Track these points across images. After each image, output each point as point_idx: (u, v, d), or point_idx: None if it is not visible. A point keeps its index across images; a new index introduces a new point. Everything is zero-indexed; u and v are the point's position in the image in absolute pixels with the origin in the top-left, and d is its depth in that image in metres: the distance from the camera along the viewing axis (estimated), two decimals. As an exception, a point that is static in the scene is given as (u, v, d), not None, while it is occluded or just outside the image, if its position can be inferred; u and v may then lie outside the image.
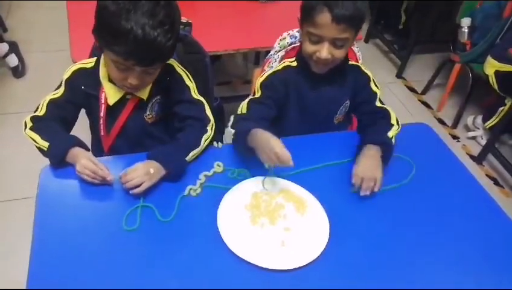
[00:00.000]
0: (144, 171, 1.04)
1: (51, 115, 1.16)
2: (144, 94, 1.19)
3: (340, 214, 1.07)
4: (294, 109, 1.32)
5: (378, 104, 1.31)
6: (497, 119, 2.44)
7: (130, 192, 1.03)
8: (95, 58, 1.20)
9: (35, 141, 1.10)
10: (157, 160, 1.07)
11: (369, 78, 1.33)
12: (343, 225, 1.05)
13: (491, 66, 2.32)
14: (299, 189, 1.12)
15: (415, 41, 2.98)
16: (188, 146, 1.14)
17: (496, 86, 2.33)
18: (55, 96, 1.18)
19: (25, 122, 1.14)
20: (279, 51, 1.51)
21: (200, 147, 1.16)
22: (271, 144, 0.99)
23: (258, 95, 1.27)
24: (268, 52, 1.63)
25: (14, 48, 2.66)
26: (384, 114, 1.29)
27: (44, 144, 1.08)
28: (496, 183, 2.40)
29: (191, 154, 1.13)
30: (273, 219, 1.04)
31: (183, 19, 1.49)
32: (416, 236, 1.06)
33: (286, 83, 1.28)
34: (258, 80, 1.29)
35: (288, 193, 1.10)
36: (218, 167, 1.14)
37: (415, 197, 1.17)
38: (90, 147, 1.35)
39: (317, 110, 1.32)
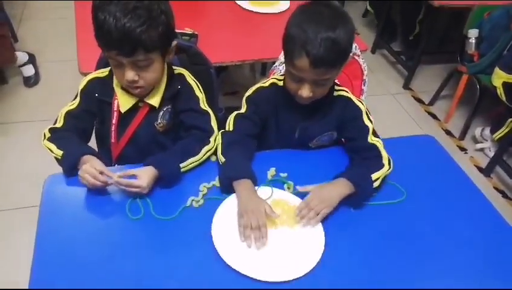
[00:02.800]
0: (144, 184, 1.05)
1: (68, 126, 1.19)
2: (155, 101, 1.21)
3: (336, 225, 1.06)
4: (271, 128, 1.29)
5: (370, 139, 1.21)
6: (506, 130, 2.41)
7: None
8: (109, 67, 1.21)
9: (51, 151, 1.13)
10: (152, 164, 1.09)
11: (360, 111, 1.24)
12: (340, 236, 1.04)
13: (499, 78, 2.30)
14: (293, 198, 1.11)
15: (422, 51, 2.97)
16: (185, 153, 1.15)
17: (504, 98, 2.31)
18: (72, 107, 1.22)
19: (44, 134, 1.17)
20: (284, 62, 1.52)
21: (198, 156, 1.16)
22: (259, 211, 1.01)
23: (243, 109, 1.26)
24: (275, 62, 1.63)
25: (32, 59, 2.73)
26: (375, 153, 1.20)
27: (59, 153, 1.11)
28: (504, 195, 2.37)
29: (187, 161, 1.14)
30: (268, 229, 1.02)
31: (189, 30, 1.52)
32: (420, 248, 1.05)
33: (269, 100, 1.26)
34: (246, 94, 1.28)
35: (283, 203, 1.09)
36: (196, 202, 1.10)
37: (419, 209, 1.15)
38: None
39: (291, 135, 1.28)
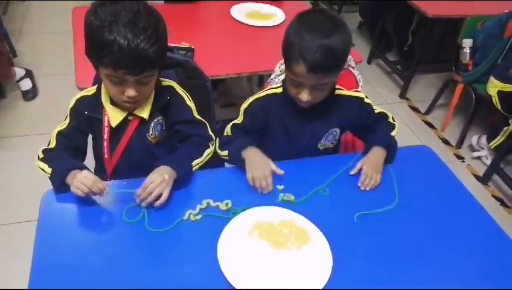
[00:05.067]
0: (159, 180, 1.08)
1: (61, 146, 1.21)
2: (145, 113, 1.22)
3: (341, 241, 1.06)
4: (278, 135, 1.34)
5: (375, 112, 1.36)
6: (502, 139, 2.42)
7: (155, 205, 1.07)
8: (96, 85, 1.24)
9: (43, 170, 1.14)
10: (167, 163, 1.13)
11: (361, 98, 1.34)
12: (346, 254, 1.03)
13: (494, 87, 2.32)
14: (301, 219, 1.10)
15: (418, 60, 2.99)
16: (190, 155, 1.20)
17: (499, 106, 2.33)
18: (63, 127, 1.23)
19: (38, 155, 1.19)
20: (280, 74, 1.53)
21: (201, 158, 1.22)
22: (262, 167, 1.17)
23: (240, 120, 1.33)
24: (271, 75, 1.65)
25: (29, 74, 2.75)
26: (383, 118, 1.37)
27: (49, 171, 1.12)
28: (503, 203, 2.37)
29: (193, 163, 1.19)
30: (276, 248, 1.02)
31: (185, 44, 1.54)
32: (417, 260, 1.05)
33: (267, 110, 1.31)
34: (243, 105, 1.33)
35: (291, 225, 1.08)
36: (225, 205, 1.12)
37: (417, 219, 1.16)
38: (93, 171, 1.38)
39: (300, 137, 1.33)
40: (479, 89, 2.51)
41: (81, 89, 1.57)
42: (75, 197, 1.07)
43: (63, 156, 1.17)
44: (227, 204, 1.12)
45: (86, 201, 1.08)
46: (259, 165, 1.18)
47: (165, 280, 0.94)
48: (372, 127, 1.36)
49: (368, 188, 1.21)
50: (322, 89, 1.18)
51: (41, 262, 0.96)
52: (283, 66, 1.54)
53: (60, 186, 1.09)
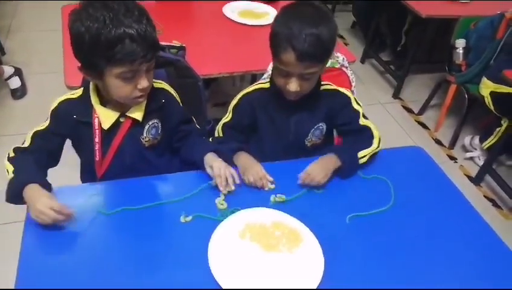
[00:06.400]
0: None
1: (35, 147, 1.16)
2: (138, 115, 1.19)
3: (333, 242, 1.05)
4: (266, 131, 1.35)
5: (361, 122, 1.32)
6: (494, 139, 2.43)
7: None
8: (81, 88, 1.20)
9: (8, 172, 1.10)
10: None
11: (349, 98, 1.33)
12: (338, 256, 1.02)
13: (486, 87, 2.33)
14: (293, 220, 1.09)
15: (411, 61, 3.00)
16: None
17: (491, 107, 2.34)
18: (41, 128, 1.19)
19: (8, 153, 1.15)
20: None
21: None
22: (255, 169, 1.18)
23: (228, 118, 1.35)
24: (263, 74, 1.63)
25: (18, 72, 2.71)
26: (367, 133, 1.31)
27: (11, 176, 1.08)
28: (495, 204, 2.38)
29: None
30: (267, 249, 1.01)
31: (177, 43, 1.52)
32: (409, 261, 1.04)
33: (254, 105, 1.33)
34: (232, 101, 1.35)
35: (283, 226, 1.07)
36: (221, 205, 1.11)
37: (409, 220, 1.15)
38: (79, 175, 1.35)
39: (286, 132, 1.33)
40: (471, 89, 2.52)
41: (70, 88, 1.55)
42: (63, 197, 1.04)
43: (30, 163, 1.11)
44: (221, 203, 1.11)
45: (74, 202, 1.06)
46: (252, 170, 1.19)
47: (155, 281, 0.93)
48: (348, 136, 1.36)
49: (304, 182, 1.17)
50: (309, 79, 1.19)
51: (28, 263, 0.94)
52: (276, 65, 1.53)
53: (16, 197, 1.04)
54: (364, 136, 1.31)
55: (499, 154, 2.52)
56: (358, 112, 1.32)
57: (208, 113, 1.64)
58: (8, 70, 2.65)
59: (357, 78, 1.63)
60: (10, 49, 3.03)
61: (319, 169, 1.19)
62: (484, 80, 2.34)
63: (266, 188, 1.17)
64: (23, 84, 2.69)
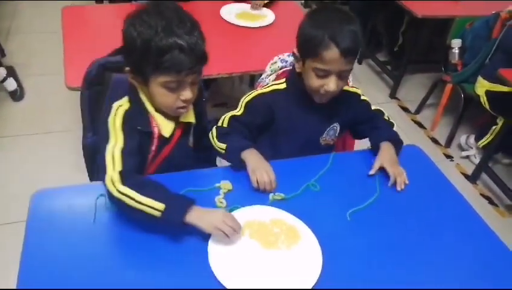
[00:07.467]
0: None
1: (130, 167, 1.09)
2: (192, 118, 1.22)
3: (332, 239, 1.07)
4: (283, 130, 1.36)
5: (372, 107, 1.41)
6: (490, 138, 2.46)
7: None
8: (126, 98, 1.15)
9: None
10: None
11: (358, 94, 1.39)
12: (336, 252, 1.04)
13: (482, 86, 2.35)
14: (292, 218, 1.11)
15: (408, 61, 3.02)
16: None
17: (487, 106, 2.37)
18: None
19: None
20: (271, 74, 1.54)
21: None
22: (265, 170, 1.17)
23: (239, 112, 1.32)
24: (261, 75, 1.65)
25: (11, 72, 2.69)
26: (380, 115, 1.42)
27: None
28: (491, 202, 2.41)
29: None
30: (266, 247, 1.03)
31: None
32: (407, 258, 1.06)
33: (272, 105, 1.32)
34: (245, 97, 1.33)
35: (281, 223, 1.09)
36: (220, 203, 1.12)
37: (406, 218, 1.17)
38: (87, 175, 1.37)
39: (304, 132, 1.35)
40: (467, 89, 2.54)
41: (71, 89, 1.57)
42: (63, 198, 1.06)
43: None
44: (221, 202, 1.13)
45: (75, 202, 1.08)
46: (263, 170, 1.18)
47: (156, 280, 0.94)
48: (371, 124, 1.40)
49: (402, 187, 1.24)
50: (345, 77, 1.22)
51: (29, 262, 0.95)
52: (273, 66, 1.56)
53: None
54: (381, 120, 1.41)
55: (495, 153, 2.54)
56: (366, 101, 1.40)
57: (207, 114, 1.66)
58: (1, 72, 2.61)
59: (354, 78, 1.65)
60: (10, 50, 3.04)
61: (394, 164, 1.27)
62: (480, 79, 2.37)
63: (268, 192, 1.17)
64: (20, 86, 2.68)
